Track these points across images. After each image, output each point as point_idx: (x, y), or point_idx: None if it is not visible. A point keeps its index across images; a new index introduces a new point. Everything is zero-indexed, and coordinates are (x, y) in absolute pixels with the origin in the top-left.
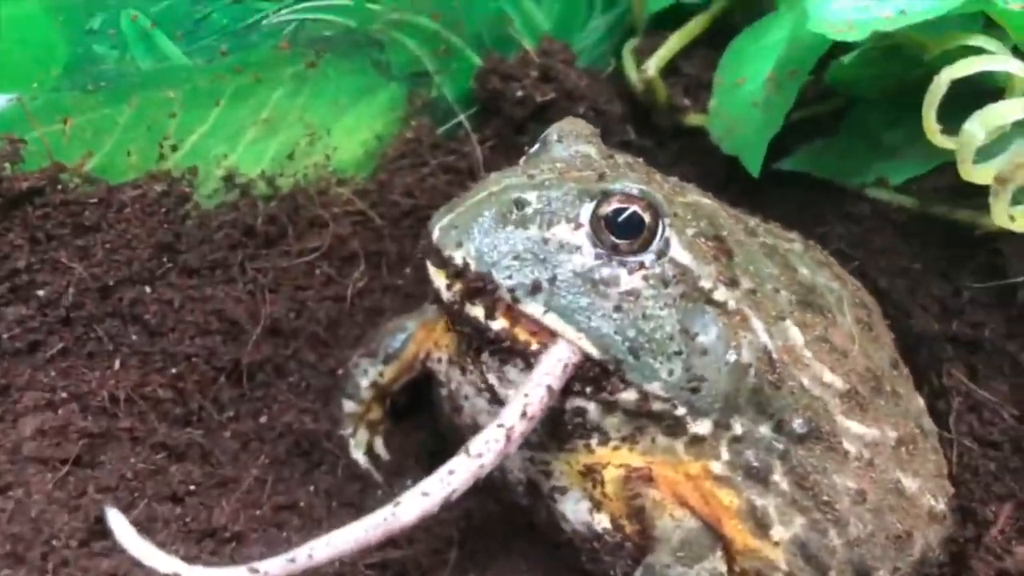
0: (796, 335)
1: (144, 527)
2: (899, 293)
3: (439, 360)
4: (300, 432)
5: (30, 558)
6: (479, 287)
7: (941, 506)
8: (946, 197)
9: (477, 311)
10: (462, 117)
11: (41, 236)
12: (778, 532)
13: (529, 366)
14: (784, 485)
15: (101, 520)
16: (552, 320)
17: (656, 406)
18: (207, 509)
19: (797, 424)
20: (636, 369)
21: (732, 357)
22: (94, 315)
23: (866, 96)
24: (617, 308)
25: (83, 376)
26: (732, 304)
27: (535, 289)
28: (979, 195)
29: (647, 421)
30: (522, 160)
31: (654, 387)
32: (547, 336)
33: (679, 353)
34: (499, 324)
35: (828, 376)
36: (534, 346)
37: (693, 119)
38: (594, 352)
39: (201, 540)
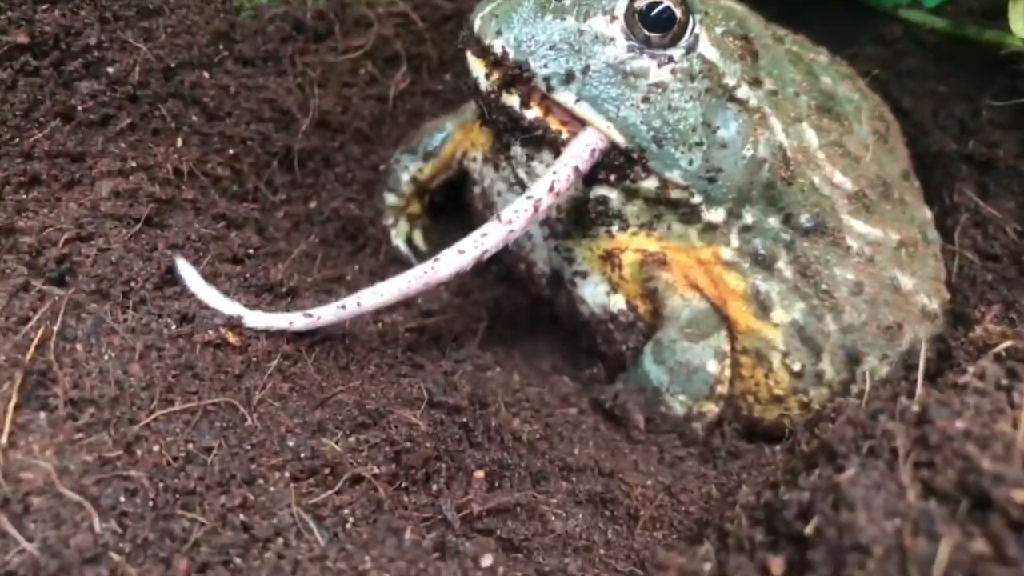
0: (812, 137)
1: (209, 280)
2: (921, 113)
3: (474, 159)
4: (347, 217)
5: (113, 295)
6: (516, 75)
7: (934, 306)
8: (977, 18)
9: (513, 100)
10: None
11: (109, 16)
12: (778, 315)
13: (559, 156)
14: (787, 272)
15: (171, 271)
16: (583, 109)
17: (675, 194)
18: (264, 270)
19: (804, 218)
20: (658, 157)
21: (749, 152)
22: (158, 94)
23: None
24: (645, 99)
25: (150, 150)
26: (753, 102)
27: (569, 78)
28: (1007, 17)
29: (664, 209)
30: None
31: (674, 175)
32: (577, 125)
33: (700, 144)
34: (533, 113)
35: (838, 177)
36: (565, 135)
37: None
38: (621, 140)
39: (260, 293)
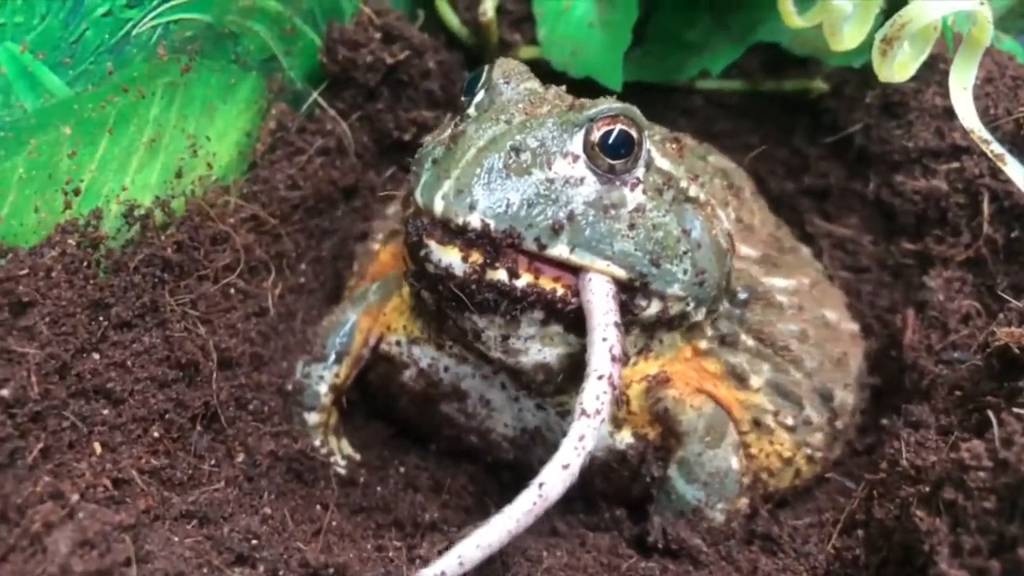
0: (732, 218)
1: None
2: (748, 166)
3: (396, 343)
4: (287, 458)
5: None
6: (504, 244)
7: (856, 327)
8: (772, 73)
9: (500, 274)
10: (315, 95)
11: None
12: (755, 380)
13: (552, 314)
14: (749, 342)
15: None
16: (579, 256)
17: (674, 309)
18: (290, 552)
19: (739, 291)
20: (659, 278)
21: (715, 246)
22: (62, 400)
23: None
24: (631, 226)
25: (75, 471)
26: (702, 197)
27: (557, 230)
28: (798, 67)
29: (657, 327)
30: (469, 110)
31: (674, 289)
32: (569, 278)
33: (686, 252)
34: (523, 281)
35: (744, 250)
36: (560, 291)
37: (525, 52)
38: (623, 274)
39: None
